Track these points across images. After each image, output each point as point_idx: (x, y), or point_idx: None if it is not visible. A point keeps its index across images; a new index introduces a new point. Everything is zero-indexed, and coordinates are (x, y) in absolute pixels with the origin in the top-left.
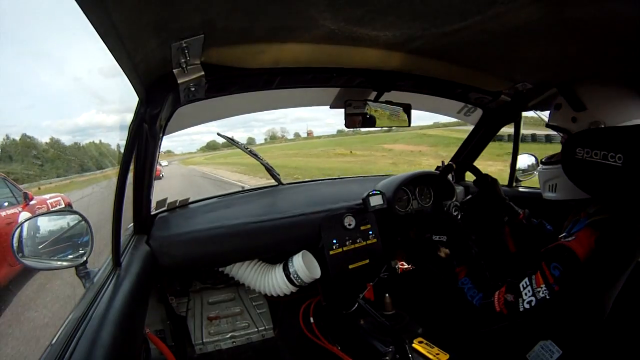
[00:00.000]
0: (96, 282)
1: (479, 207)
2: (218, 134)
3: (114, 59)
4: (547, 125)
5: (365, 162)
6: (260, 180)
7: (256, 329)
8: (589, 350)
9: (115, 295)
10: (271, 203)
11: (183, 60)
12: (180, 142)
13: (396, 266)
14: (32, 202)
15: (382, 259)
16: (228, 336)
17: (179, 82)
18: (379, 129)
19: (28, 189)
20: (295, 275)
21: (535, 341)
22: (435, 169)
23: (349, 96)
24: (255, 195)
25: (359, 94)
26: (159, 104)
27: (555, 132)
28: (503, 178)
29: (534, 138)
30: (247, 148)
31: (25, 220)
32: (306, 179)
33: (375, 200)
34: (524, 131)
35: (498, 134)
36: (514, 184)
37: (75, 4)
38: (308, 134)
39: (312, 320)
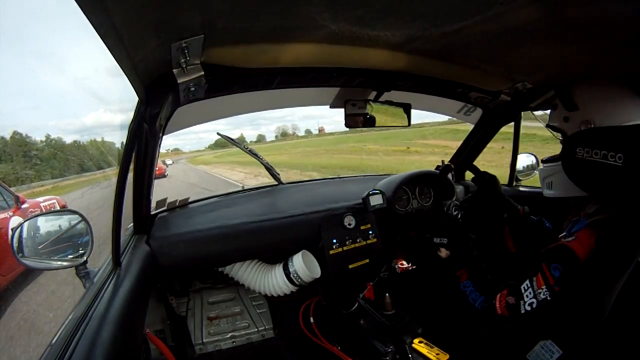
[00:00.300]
0: (96, 282)
1: (478, 204)
2: (218, 134)
3: (113, 59)
4: (547, 126)
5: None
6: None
7: (256, 329)
8: (589, 350)
9: (115, 295)
10: (271, 203)
11: (183, 60)
12: (187, 141)
13: (396, 266)
14: (24, 206)
15: (382, 258)
16: (228, 336)
17: (178, 82)
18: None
19: (19, 191)
20: (295, 275)
21: (535, 341)
22: (435, 169)
23: (348, 96)
24: (255, 195)
25: (358, 94)
26: (158, 104)
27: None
28: (503, 178)
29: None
30: (247, 147)
31: (26, 221)
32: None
33: (375, 200)
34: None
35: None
36: (514, 183)
37: (75, 4)
38: (320, 130)
39: (312, 320)
